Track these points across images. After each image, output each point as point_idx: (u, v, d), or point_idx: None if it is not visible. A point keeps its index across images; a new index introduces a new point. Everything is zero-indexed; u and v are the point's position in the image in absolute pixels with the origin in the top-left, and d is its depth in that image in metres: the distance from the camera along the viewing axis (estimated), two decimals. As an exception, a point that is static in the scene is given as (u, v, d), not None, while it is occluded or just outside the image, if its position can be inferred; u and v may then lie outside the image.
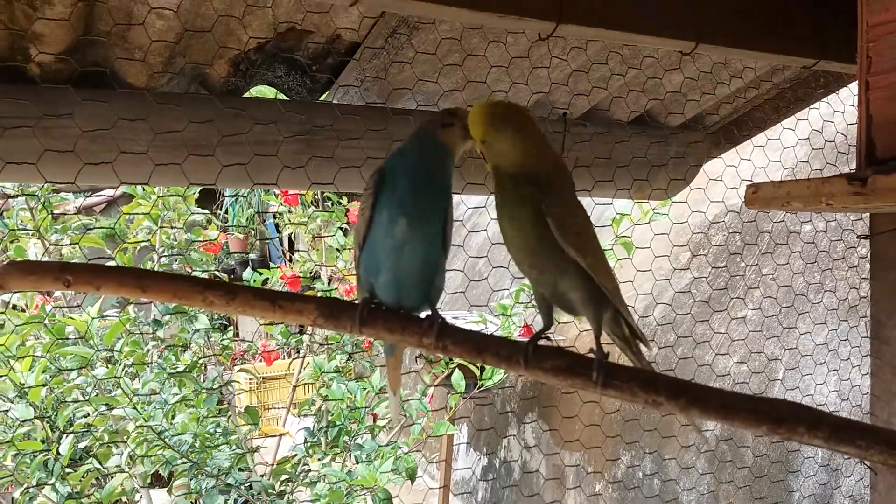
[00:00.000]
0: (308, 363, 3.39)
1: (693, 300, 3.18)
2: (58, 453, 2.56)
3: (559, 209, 0.85)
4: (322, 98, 1.65)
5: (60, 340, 2.54)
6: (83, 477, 2.57)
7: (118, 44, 1.32)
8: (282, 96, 1.62)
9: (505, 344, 0.84)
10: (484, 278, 3.47)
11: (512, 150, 0.89)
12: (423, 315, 0.93)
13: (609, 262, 0.91)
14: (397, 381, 1.08)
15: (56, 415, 2.70)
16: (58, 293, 3.10)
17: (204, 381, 2.89)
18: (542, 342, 0.85)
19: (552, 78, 1.61)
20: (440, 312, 0.92)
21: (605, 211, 3.56)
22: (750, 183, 1.28)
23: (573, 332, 3.74)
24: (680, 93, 1.80)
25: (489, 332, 0.87)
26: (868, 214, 1.68)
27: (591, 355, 0.83)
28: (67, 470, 2.51)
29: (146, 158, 1.21)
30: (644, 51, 1.61)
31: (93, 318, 2.56)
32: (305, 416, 3.46)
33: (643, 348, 0.93)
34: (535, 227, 0.86)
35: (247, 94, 1.56)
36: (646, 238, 2.69)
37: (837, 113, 2.30)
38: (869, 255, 1.61)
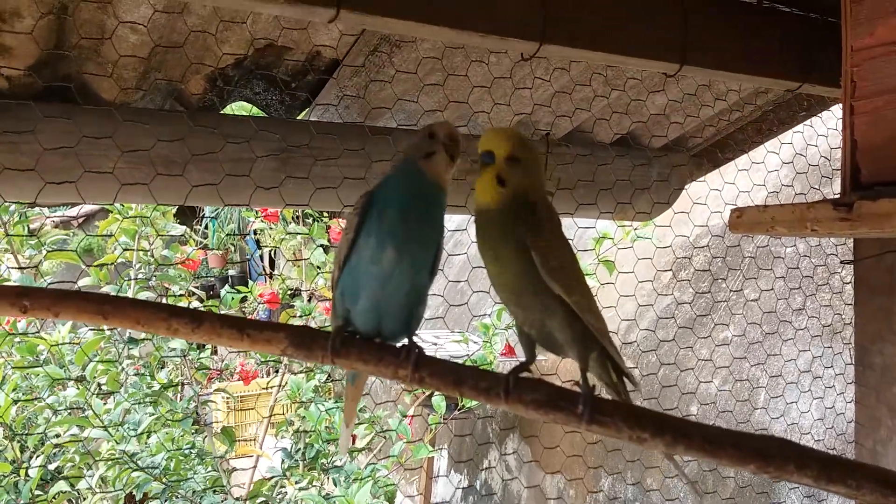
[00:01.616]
0: (286, 382, 3.33)
1: (676, 324, 3.16)
2: (27, 475, 2.49)
3: (544, 244, 0.83)
4: (301, 116, 1.61)
5: (32, 360, 2.48)
6: (53, 499, 2.50)
7: (91, 58, 1.28)
8: (259, 113, 1.59)
9: (484, 376, 0.81)
10: (465, 303, 3.44)
11: (536, 173, 0.89)
12: (399, 344, 0.89)
13: (593, 295, 0.88)
14: (353, 413, 1.04)
15: (26, 435, 2.62)
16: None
17: (180, 400, 2.82)
18: (523, 375, 0.82)
19: (535, 99, 1.60)
20: (417, 340, 0.88)
21: (586, 233, 3.53)
22: (734, 207, 1.27)
23: (555, 356, 3.70)
24: (663, 115, 1.78)
25: (471, 352, 0.84)
26: (852, 239, 1.67)
27: (577, 388, 0.80)
28: (37, 492, 2.44)
29: (111, 177, 1.16)
30: (628, 72, 1.60)
31: (64, 341, 2.50)
32: (283, 437, 3.39)
33: (629, 386, 0.90)
34: (519, 262, 0.83)
35: (222, 112, 1.52)
36: (628, 260, 2.67)
37: (821, 137, 2.30)
38: (853, 280, 1.60)
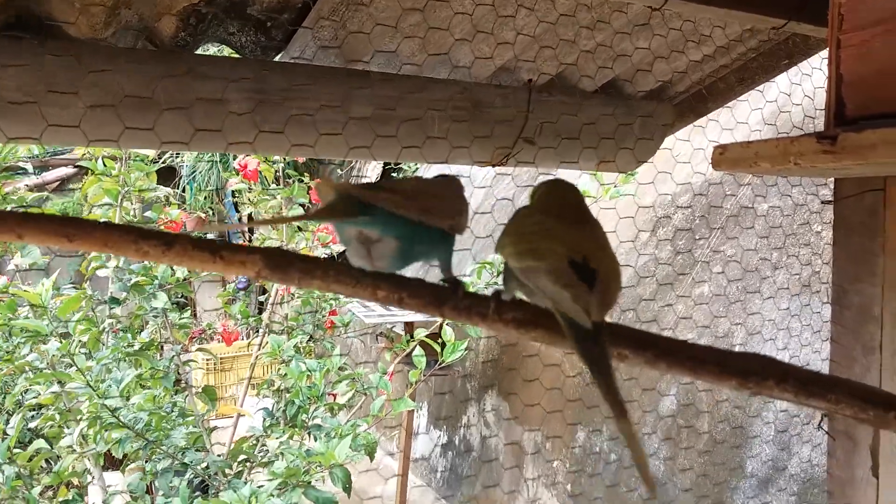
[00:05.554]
0: (267, 343, 3.32)
1: (656, 281, 3.17)
2: (4, 433, 2.46)
3: None
4: (278, 56, 1.57)
5: (12, 317, 2.44)
6: (32, 457, 2.48)
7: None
8: (234, 54, 1.54)
9: (466, 295, 0.79)
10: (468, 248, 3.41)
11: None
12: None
13: None
14: None
15: (4, 394, 2.59)
16: (11, 266, 2.97)
17: (160, 359, 2.80)
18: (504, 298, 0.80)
19: (519, 29, 1.55)
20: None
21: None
22: (717, 144, 1.25)
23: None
24: (648, 50, 1.75)
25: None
26: (832, 181, 1.66)
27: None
28: (16, 450, 2.42)
29: (75, 99, 1.12)
30: (613, 5, 1.57)
31: (47, 294, 2.46)
32: (265, 396, 3.39)
33: None
34: None
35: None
36: (609, 219, 2.67)
37: (805, 76, 2.29)
38: (832, 221, 1.60)
